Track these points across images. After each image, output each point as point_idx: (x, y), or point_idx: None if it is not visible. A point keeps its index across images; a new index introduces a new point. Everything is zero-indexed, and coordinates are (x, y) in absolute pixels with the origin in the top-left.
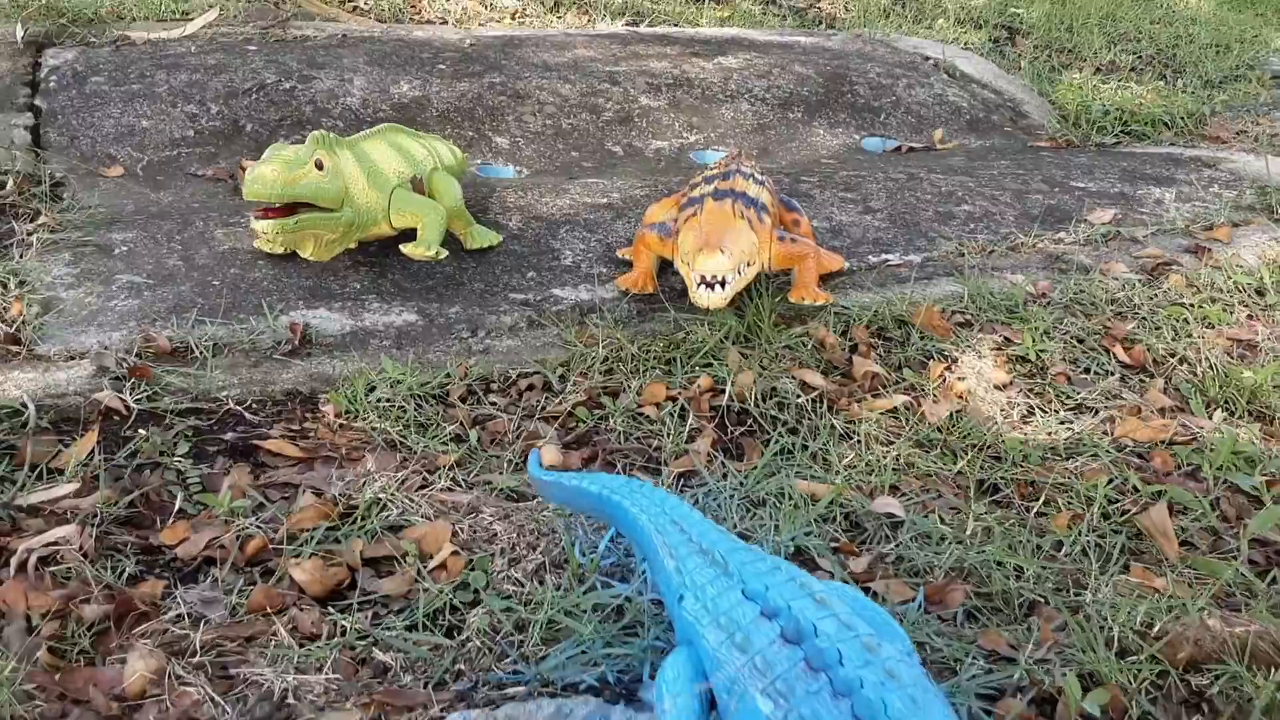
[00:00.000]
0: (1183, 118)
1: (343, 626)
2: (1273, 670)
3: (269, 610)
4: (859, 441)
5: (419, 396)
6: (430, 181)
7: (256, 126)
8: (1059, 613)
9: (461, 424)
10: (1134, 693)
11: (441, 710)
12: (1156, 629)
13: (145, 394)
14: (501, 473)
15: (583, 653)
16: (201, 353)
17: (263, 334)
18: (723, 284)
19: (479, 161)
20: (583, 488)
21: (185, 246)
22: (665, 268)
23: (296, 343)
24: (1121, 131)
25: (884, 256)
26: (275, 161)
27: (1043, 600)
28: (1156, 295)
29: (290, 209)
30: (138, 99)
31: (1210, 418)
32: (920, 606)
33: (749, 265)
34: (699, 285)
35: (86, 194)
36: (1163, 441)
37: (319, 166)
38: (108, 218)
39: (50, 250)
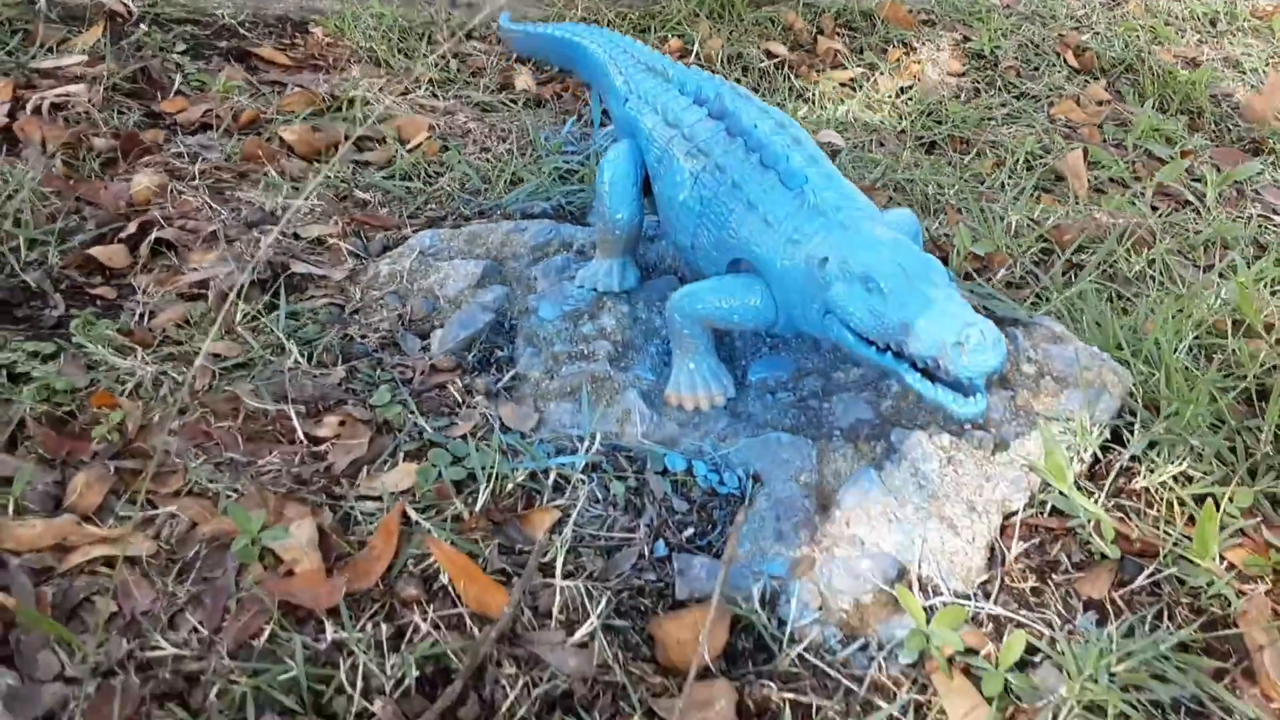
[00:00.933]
0: None
1: (328, 175)
2: (1146, 249)
3: (261, 158)
4: (813, 100)
5: (404, 30)
6: None
7: None
8: (969, 213)
9: (443, 56)
10: (1020, 256)
11: (413, 231)
12: (1049, 221)
13: (146, 0)
14: (478, 91)
15: (540, 189)
16: None
17: None
18: None
19: None
20: (547, 33)
21: None
22: None
23: None
24: None
25: None
26: None
27: (958, 206)
28: (1115, 16)
29: None
30: None
31: (1141, 108)
32: None
33: None
34: None
35: None
36: (1094, 124)
37: None
38: None
39: None
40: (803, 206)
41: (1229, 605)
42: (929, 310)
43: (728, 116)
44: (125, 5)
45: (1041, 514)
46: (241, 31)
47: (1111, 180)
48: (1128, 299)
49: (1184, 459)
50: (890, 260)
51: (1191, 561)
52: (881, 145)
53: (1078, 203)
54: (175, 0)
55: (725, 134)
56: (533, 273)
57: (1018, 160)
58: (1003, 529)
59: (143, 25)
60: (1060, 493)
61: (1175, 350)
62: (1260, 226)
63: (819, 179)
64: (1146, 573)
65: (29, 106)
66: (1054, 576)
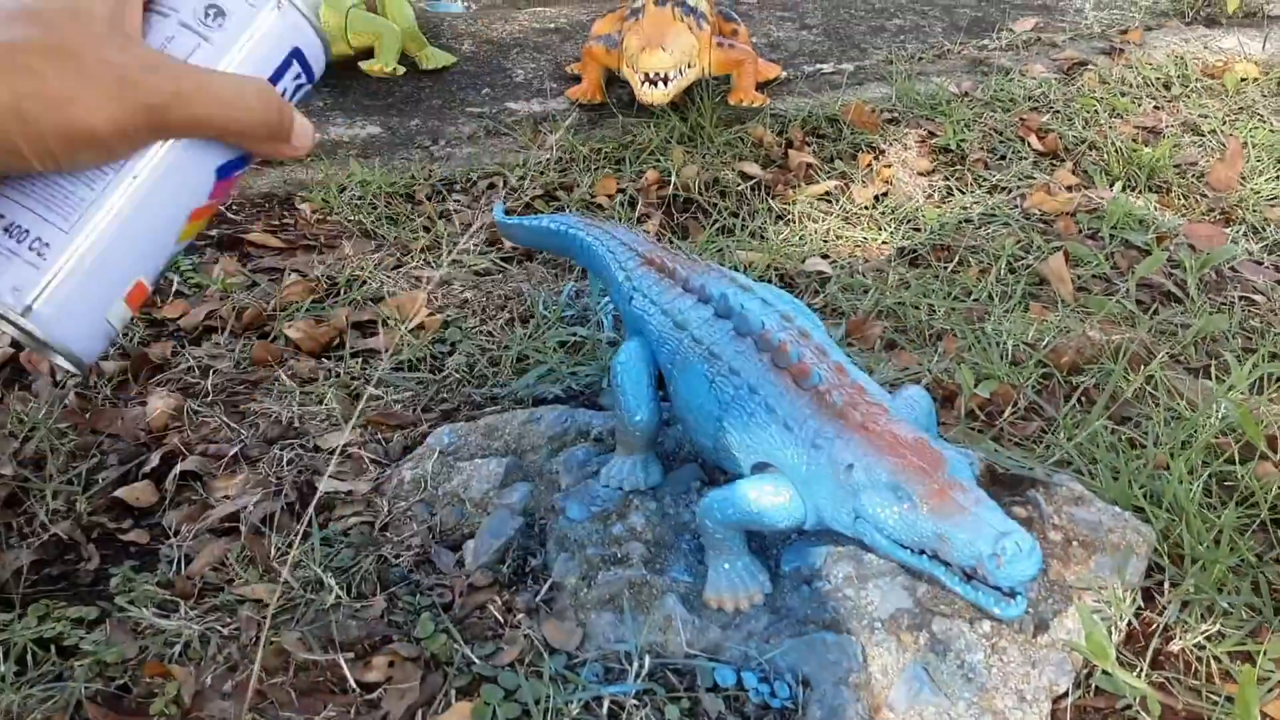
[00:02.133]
0: None
1: (337, 372)
2: (1143, 366)
3: (270, 362)
4: (793, 220)
5: (388, 194)
6: (383, 2)
7: None
8: (963, 338)
9: (429, 217)
10: (1022, 387)
11: (430, 427)
12: (1045, 342)
13: None
14: (469, 254)
15: (549, 372)
16: None
17: None
18: (665, 80)
19: None
20: (542, 225)
21: None
22: (612, 82)
23: None
24: None
25: (818, 66)
26: None
27: (950, 330)
28: (1071, 91)
29: None
30: None
31: (1111, 190)
32: (842, 338)
33: (689, 66)
34: (643, 83)
35: None
36: (1067, 212)
37: None
38: None
39: None
40: (821, 408)
41: None
42: (962, 520)
43: (734, 316)
44: None
45: (1088, 694)
46: (230, 217)
47: (1094, 278)
48: (1134, 422)
49: (1216, 619)
50: (916, 464)
51: None
52: (866, 261)
53: (1066, 307)
54: None
55: (734, 334)
56: (554, 466)
57: (1001, 266)
58: (1053, 715)
59: None
60: (1104, 672)
61: (1191, 495)
62: (1244, 311)
63: (832, 375)
64: None
65: None
66: None
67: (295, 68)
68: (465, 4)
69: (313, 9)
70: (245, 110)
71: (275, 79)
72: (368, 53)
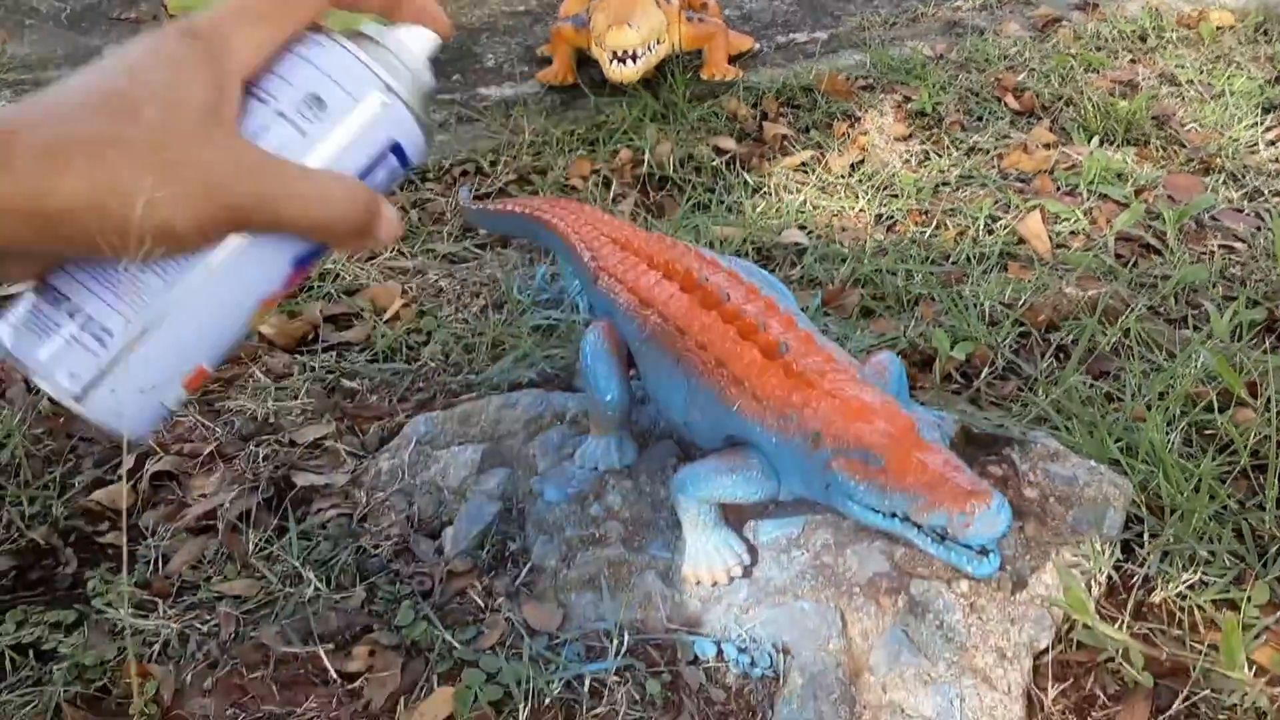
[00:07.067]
0: None
1: (311, 366)
2: (1119, 320)
3: (243, 358)
4: (769, 192)
5: None
6: None
7: None
8: (940, 301)
9: (402, 206)
10: (1000, 348)
11: (406, 416)
12: (1022, 301)
13: None
14: (443, 242)
15: (524, 357)
16: None
17: None
18: (634, 58)
19: None
20: (507, 209)
21: None
22: (583, 62)
23: None
24: None
25: (791, 36)
26: None
27: (927, 295)
28: (1046, 48)
29: None
30: None
31: (1088, 146)
32: (818, 308)
33: (658, 43)
34: (612, 61)
35: (15, 44)
36: (1045, 170)
37: None
38: (41, 62)
39: None
40: (788, 377)
41: (1264, 717)
42: (930, 481)
43: (698, 289)
44: None
45: (1070, 649)
46: None
47: (1072, 234)
48: (1112, 376)
49: (1198, 568)
50: (884, 429)
51: (1224, 674)
52: (844, 230)
53: (1043, 265)
54: None
55: (700, 308)
56: (530, 450)
57: (978, 228)
58: (1035, 670)
59: None
60: (1085, 625)
61: (1169, 446)
62: (1225, 259)
63: (799, 345)
64: (1181, 696)
65: None
66: (1093, 713)
67: (391, 160)
68: None
69: (421, 99)
70: (331, 211)
71: (367, 173)
72: None
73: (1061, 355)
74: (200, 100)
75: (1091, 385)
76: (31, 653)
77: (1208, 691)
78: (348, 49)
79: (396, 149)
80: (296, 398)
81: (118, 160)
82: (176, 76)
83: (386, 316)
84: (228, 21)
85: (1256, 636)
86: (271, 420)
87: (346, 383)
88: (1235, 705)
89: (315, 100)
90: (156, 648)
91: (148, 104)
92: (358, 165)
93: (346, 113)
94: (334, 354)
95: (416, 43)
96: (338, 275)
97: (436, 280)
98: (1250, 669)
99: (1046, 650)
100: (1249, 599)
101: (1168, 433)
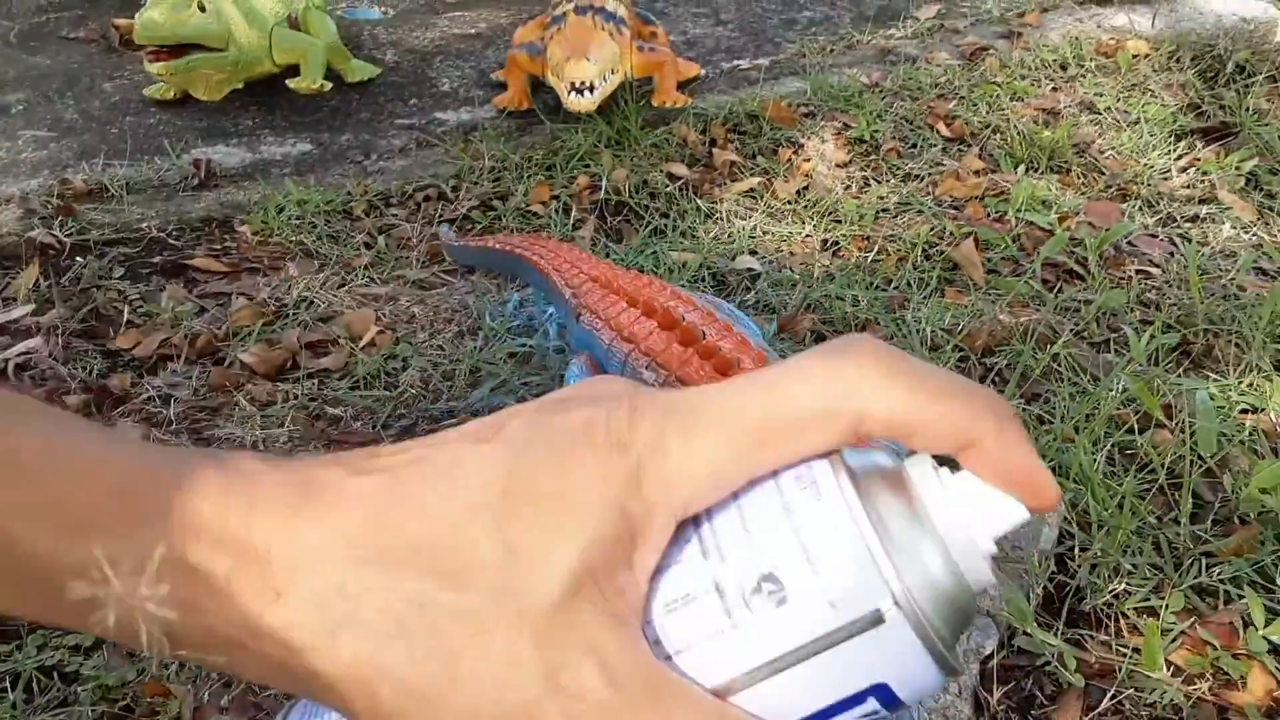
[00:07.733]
0: None
1: (294, 394)
2: (1049, 345)
3: (228, 387)
4: (721, 218)
5: (326, 212)
6: (305, 19)
7: None
8: (885, 326)
9: (369, 233)
10: None
11: (390, 443)
12: (960, 327)
13: (74, 229)
14: (411, 268)
15: (502, 383)
16: (116, 191)
17: (169, 170)
18: (591, 89)
19: (344, 4)
20: (487, 246)
21: (78, 101)
22: (537, 87)
23: (202, 177)
24: None
25: (736, 63)
26: (161, 6)
27: (873, 319)
28: (974, 77)
29: (180, 51)
30: None
31: (1015, 173)
32: (774, 333)
33: (613, 73)
34: (569, 92)
35: None
36: (976, 196)
37: (201, 9)
38: None
39: None
40: None
41: (1180, 712)
42: None
43: (677, 327)
44: (56, 238)
45: (1012, 654)
46: (171, 242)
47: (1004, 259)
48: (1043, 399)
49: (1122, 578)
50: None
51: (1146, 675)
52: (792, 255)
53: (978, 290)
54: (101, 222)
55: (679, 346)
56: None
57: (917, 254)
58: (982, 674)
59: (79, 258)
60: (1025, 633)
61: (1095, 466)
62: (1141, 284)
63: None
64: (1109, 695)
65: None
66: (1033, 712)
67: (866, 705)
68: (383, 10)
69: (952, 611)
70: None
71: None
72: (293, 69)
73: (998, 379)
74: (561, 583)
75: (1025, 409)
76: (56, 675)
77: (1132, 690)
78: (858, 521)
79: (880, 690)
80: (282, 425)
81: (412, 654)
82: (556, 511)
83: (363, 343)
84: (681, 428)
85: (1173, 640)
86: (260, 447)
87: (329, 410)
88: (1155, 702)
89: (771, 581)
90: (174, 667)
91: (477, 581)
92: (803, 708)
93: (813, 618)
94: (315, 381)
95: (987, 521)
96: (311, 303)
97: (409, 306)
98: (1168, 669)
99: (992, 656)
100: (1167, 606)
101: (1094, 454)
